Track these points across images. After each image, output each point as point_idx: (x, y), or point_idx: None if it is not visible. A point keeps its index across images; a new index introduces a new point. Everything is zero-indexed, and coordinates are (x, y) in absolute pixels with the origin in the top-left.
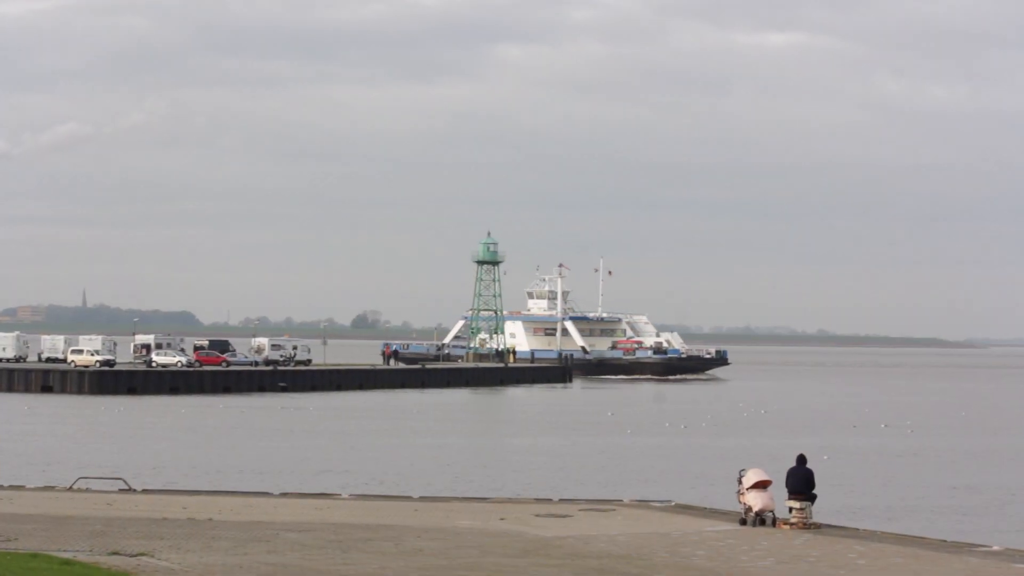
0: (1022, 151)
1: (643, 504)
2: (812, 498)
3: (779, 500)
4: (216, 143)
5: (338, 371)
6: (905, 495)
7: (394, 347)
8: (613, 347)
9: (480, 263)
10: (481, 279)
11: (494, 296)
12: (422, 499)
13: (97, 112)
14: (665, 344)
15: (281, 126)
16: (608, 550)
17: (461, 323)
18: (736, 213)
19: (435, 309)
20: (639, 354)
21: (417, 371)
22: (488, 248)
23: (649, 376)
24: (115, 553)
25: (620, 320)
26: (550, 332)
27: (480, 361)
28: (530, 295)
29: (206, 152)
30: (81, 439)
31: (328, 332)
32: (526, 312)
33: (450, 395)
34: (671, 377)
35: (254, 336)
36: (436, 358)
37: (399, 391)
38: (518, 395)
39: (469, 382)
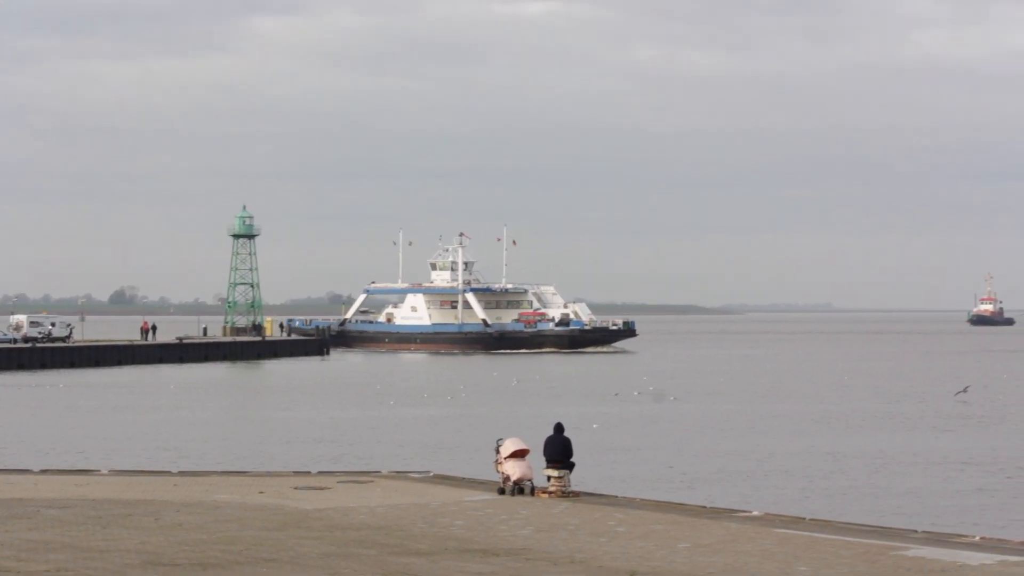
0: (780, 116)
1: (401, 475)
2: (570, 466)
3: (537, 469)
4: None
5: (96, 347)
6: (666, 463)
7: (297, 322)
8: (518, 319)
9: (236, 237)
10: (237, 253)
11: (251, 270)
12: (181, 474)
13: None
14: (572, 315)
15: (37, 101)
16: (367, 521)
17: (363, 296)
18: (492, 181)
19: (194, 284)
20: (540, 326)
21: (175, 346)
22: (244, 222)
23: (552, 349)
24: None
25: (526, 291)
26: (455, 305)
27: (237, 335)
28: (433, 266)
29: None
30: None
31: (86, 308)
32: (428, 284)
33: (208, 369)
34: (574, 350)
35: (12, 314)
36: (339, 334)
37: (158, 366)
38: (275, 368)
39: (227, 356)
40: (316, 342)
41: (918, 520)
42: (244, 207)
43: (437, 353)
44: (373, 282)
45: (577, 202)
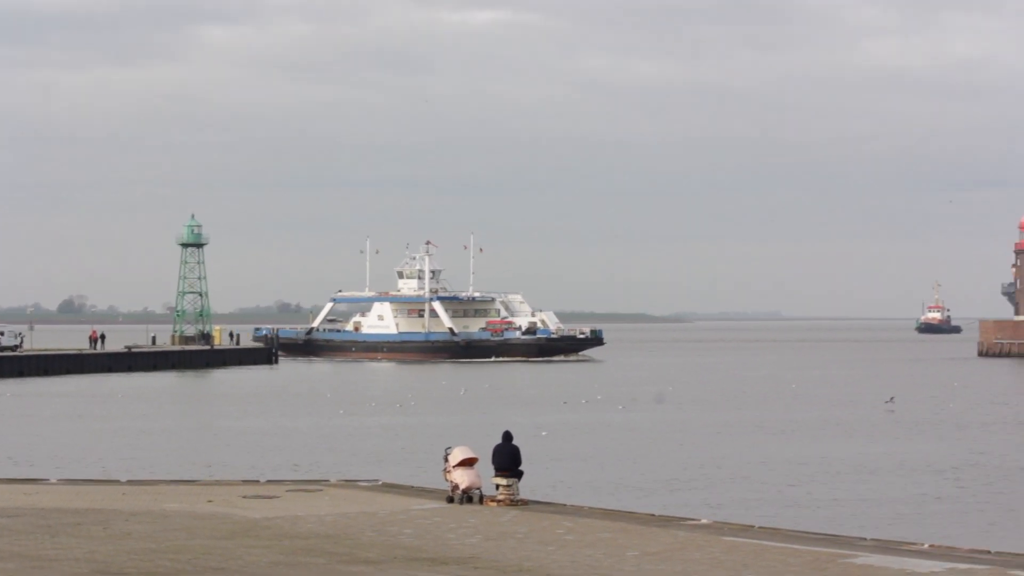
0: (728, 125)
1: (350, 484)
2: (518, 475)
3: (486, 477)
4: None
5: (45, 356)
6: (615, 471)
7: (263, 331)
8: (485, 328)
9: (184, 246)
10: (186, 262)
11: (199, 279)
12: (130, 483)
13: None
14: (539, 324)
15: None
16: (316, 530)
17: (330, 305)
18: (443, 190)
19: (143, 293)
20: (507, 335)
21: (124, 355)
22: (192, 231)
23: (520, 358)
24: None
25: (494, 300)
26: (423, 313)
27: (186, 344)
28: (400, 274)
29: None
30: None
31: (35, 317)
32: (395, 293)
33: (157, 378)
34: (542, 359)
35: None
36: (306, 343)
37: (107, 375)
38: (224, 377)
39: (175, 365)
40: (264, 351)
41: (867, 528)
42: (192, 216)
43: (404, 362)
44: (340, 291)
45: (526, 211)
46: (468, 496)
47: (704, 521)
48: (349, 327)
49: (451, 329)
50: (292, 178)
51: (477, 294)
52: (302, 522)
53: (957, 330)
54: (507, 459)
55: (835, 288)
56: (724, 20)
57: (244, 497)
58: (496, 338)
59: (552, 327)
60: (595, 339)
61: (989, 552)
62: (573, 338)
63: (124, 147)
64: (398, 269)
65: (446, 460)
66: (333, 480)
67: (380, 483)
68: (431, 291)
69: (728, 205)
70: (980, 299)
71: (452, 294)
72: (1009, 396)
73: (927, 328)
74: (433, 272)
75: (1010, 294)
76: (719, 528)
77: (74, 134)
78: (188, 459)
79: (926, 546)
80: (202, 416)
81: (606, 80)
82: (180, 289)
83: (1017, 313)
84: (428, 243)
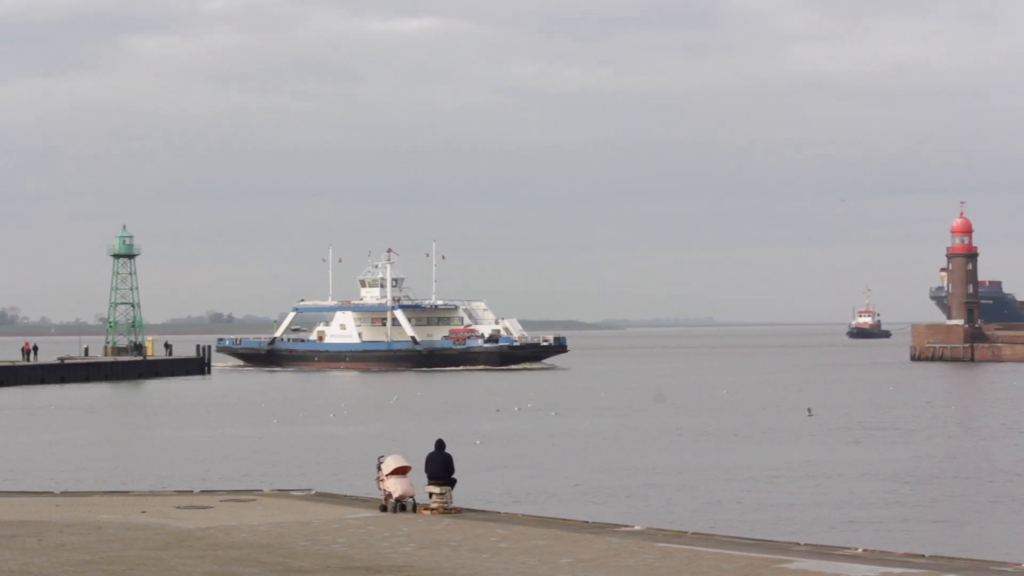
0: (659, 131)
1: (283, 493)
2: (452, 483)
3: (419, 486)
4: None
5: None
6: (548, 478)
7: (226, 341)
8: (448, 336)
9: (116, 257)
10: (118, 273)
11: (131, 290)
12: (64, 494)
13: None
14: (503, 331)
15: None
16: (249, 540)
17: (292, 314)
18: (376, 198)
19: (75, 304)
20: (469, 343)
21: (57, 367)
22: (124, 241)
23: (484, 366)
24: None
25: (457, 307)
26: (386, 322)
27: (119, 355)
28: (363, 283)
29: None
30: None
31: None
32: (358, 301)
33: (90, 390)
34: (505, 367)
35: None
36: (267, 353)
37: (39, 387)
38: (157, 388)
39: (108, 376)
40: (197, 361)
41: (801, 533)
42: (124, 227)
43: (367, 371)
44: (302, 300)
45: (457, 218)
46: (401, 504)
47: (637, 528)
48: (313, 336)
49: (413, 338)
50: (223, 188)
51: (440, 302)
52: (236, 532)
53: (887, 335)
54: (440, 467)
55: (767, 294)
56: (652, 26)
57: (178, 507)
58: (458, 346)
59: (515, 335)
60: (559, 347)
61: (923, 556)
62: (536, 346)
63: (55, 158)
64: (360, 278)
65: (379, 469)
66: (266, 490)
67: (313, 492)
68: (393, 299)
69: (658, 212)
70: (909, 304)
71: (414, 302)
72: (944, 400)
73: (858, 333)
74: (395, 280)
75: (939, 298)
76: (652, 534)
77: (3, 146)
78: (122, 470)
79: (860, 551)
80: (135, 427)
81: (535, 87)
82: (112, 300)
83: (949, 317)
84: (389, 251)
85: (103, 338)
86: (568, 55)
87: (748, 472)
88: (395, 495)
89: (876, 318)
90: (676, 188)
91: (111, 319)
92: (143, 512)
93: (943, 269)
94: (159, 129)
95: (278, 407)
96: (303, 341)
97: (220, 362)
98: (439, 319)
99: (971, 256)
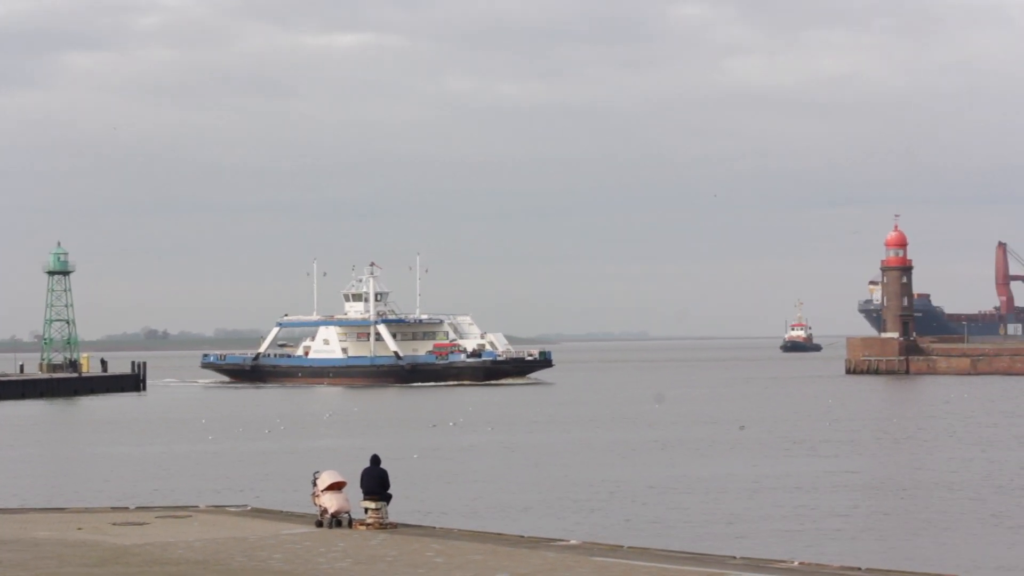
0: (594, 145)
1: (219, 509)
2: (387, 498)
3: (355, 501)
4: None
5: None
6: (484, 493)
7: (211, 358)
8: (432, 351)
9: (51, 273)
10: (52, 290)
11: (66, 306)
12: (0, 511)
13: None
14: (488, 346)
15: None
16: (186, 556)
17: (276, 330)
18: (307, 214)
19: (10, 321)
20: (452, 358)
21: None
22: (59, 258)
23: (467, 382)
24: None
25: (442, 322)
26: (370, 337)
27: (54, 372)
28: (347, 297)
29: None
30: None
31: None
32: (342, 316)
33: (25, 407)
34: (490, 382)
35: None
36: (252, 368)
37: None
38: (92, 404)
39: (44, 393)
40: (132, 377)
41: (737, 546)
42: (59, 244)
43: (351, 387)
44: (286, 315)
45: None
46: (337, 520)
47: (573, 542)
48: (300, 352)
49: (396, 353)
50: (158, 204)
51: (425, 316)
52: (172, 548)
53: (818, 348)
54: (375, 483)
55: (704, 308)
56: (589, 40)
57: (114, 524)
58: (441, 361)
59: (500, 349)
60: (544, 361)
61: (859, 569)
62: (521, 360)
63: None
64: (344, 292)
65: (314, 484)
66: (202, 506)
67: (249, 508)
68: (378, 314)
69: (593, 225)
70: (840, 317)
71: (398, 317)
72: (882, 414)
73: (792, 346)
74: (379, 295)
75: (867, 311)
76: (588, 548)
77: None
78: (58, 486)
79: (796, 564)
80: (71, 444)
81: (472, 102)
82: (47, 317)
83: (882, 330)
84: (372, 264)
85: (38, 355)
86: (504, 69)
87: (687, 486)
88: (331, 510)
89: (808, 331)
90: (611, 203)
91: (46, 336)
92: (79, 529)
93: (872, 282)
94: (93, 145)
95: (215, 423)
96: (289, 357)
97: (205, 378)
98: (424, 333)
99: (906, 269)
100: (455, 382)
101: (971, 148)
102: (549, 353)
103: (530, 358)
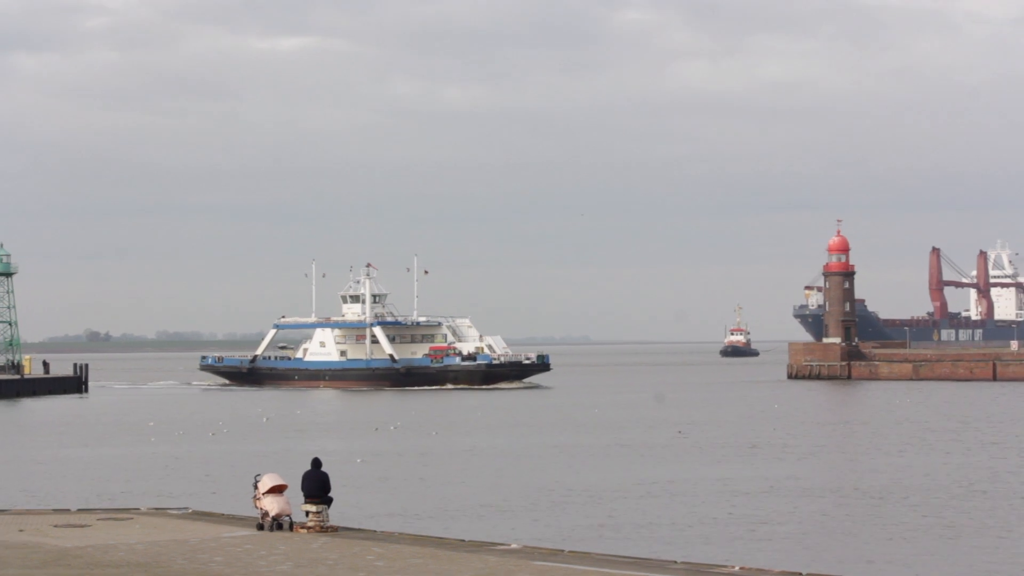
0: (538, 150)
1: (160, 512)
2: (328, 501)
3: (296, 504)
4: None
5: None
6: (425, 497)
7: (209, 359)
8: (428, 354)
9: None
10: None
11: (8, 308)
12: None
13: None
14: (487, 349)
15: None
16: (127, 559)
17: (273, 331)
18: (252, 217)
19: None
20: (447, 361)
21: None
22: (1, 260)
23: (464, 385)
24: None
25: (440, 324)
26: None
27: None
28: (344, 299)
29: None
30: None
31: None
32: (338, 318)
33: None
34: (486, 386)
35: None
36: (249, 371)
37: None
38: (34, 406)
39: None
40: (74, 379)
41: (679, 551)
42: (1, 245)
43: (346, 390)
44: (283, 316)
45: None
46: (278, 523)
47: (514, 546)
48: (299, 354)
49: (391, 355)
50: (100, 205)
51: (422, 319)
52: (113, 551)
53: (755, 353)
54: (316, 486)
55: (646, 312)
56: (534, 44)
57: (55, 526)
58: (436, 364)
59: (498, 352)
60: (541, 365)
61: (800, 574)
62: (518, 364)
63: None
64: (341, 294)
65: (256, 487)
66: (143, 508)
67: (190, 511)
68: (374, 316)
69: (536, 230)
70: (776, 322)
71: (395, 319)
72: (825, 419)
73: (732, 351)
74: (377, 296)
75: (803, 316)
76: (529, 553)
77: None
78: None
79: (737, 568)
80: (12, 446)
81: (416, 106)
82: None
83: (824, 335)
84: (368, 266)
85: None
86: (448, 74)
87: (626, 490)
88: (272, 513)
89: (747, 336)
90: (554, 207)
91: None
92: (20, 531)
93: (808, 287)
94: (35, 146)
95: (157, 426)
96: (288, 359)
97: (203, 381)
98: (422, 336)
99: (848, 275)
100: (452, 386)
101: (909, 154)
102: (547, 357)
103: (527, 361)
